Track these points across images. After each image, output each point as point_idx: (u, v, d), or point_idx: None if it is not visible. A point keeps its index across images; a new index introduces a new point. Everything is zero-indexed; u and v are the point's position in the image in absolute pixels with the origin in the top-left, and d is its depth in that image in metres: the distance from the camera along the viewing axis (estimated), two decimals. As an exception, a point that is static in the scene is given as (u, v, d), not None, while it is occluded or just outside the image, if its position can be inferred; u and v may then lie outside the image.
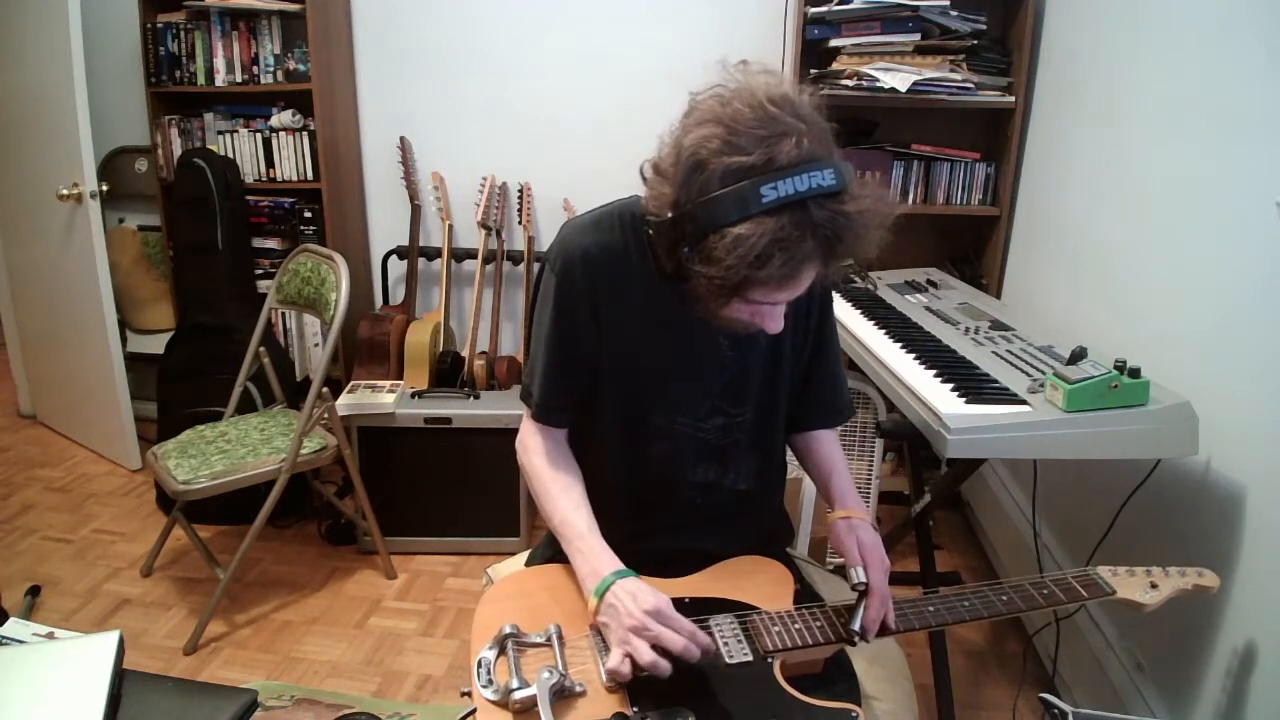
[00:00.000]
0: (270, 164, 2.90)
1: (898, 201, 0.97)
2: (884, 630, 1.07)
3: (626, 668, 0.98)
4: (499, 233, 2.98)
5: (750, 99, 0.93)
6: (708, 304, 0.98)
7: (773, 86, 0.94)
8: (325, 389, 2.26)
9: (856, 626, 1.05)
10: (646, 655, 0.97)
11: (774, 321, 1.03)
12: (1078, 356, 1.48)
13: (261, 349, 2.47)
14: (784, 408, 1.26)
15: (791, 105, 0.93)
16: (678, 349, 1.17)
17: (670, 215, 0.96)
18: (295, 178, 2.90)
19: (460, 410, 2.49)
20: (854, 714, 0.98)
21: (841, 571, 1.12)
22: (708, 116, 0.94)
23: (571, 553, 1.13)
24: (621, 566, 1.08)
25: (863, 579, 1.07)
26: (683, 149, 0.94)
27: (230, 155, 2.87)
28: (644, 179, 1.03)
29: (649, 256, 1.07)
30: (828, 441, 1.32)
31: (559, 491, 1.18)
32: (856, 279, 2.32)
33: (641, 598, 1.02)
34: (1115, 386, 1.38)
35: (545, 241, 2.99)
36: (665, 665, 0.97)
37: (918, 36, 2.47)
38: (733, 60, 0.99)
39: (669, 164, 0.97)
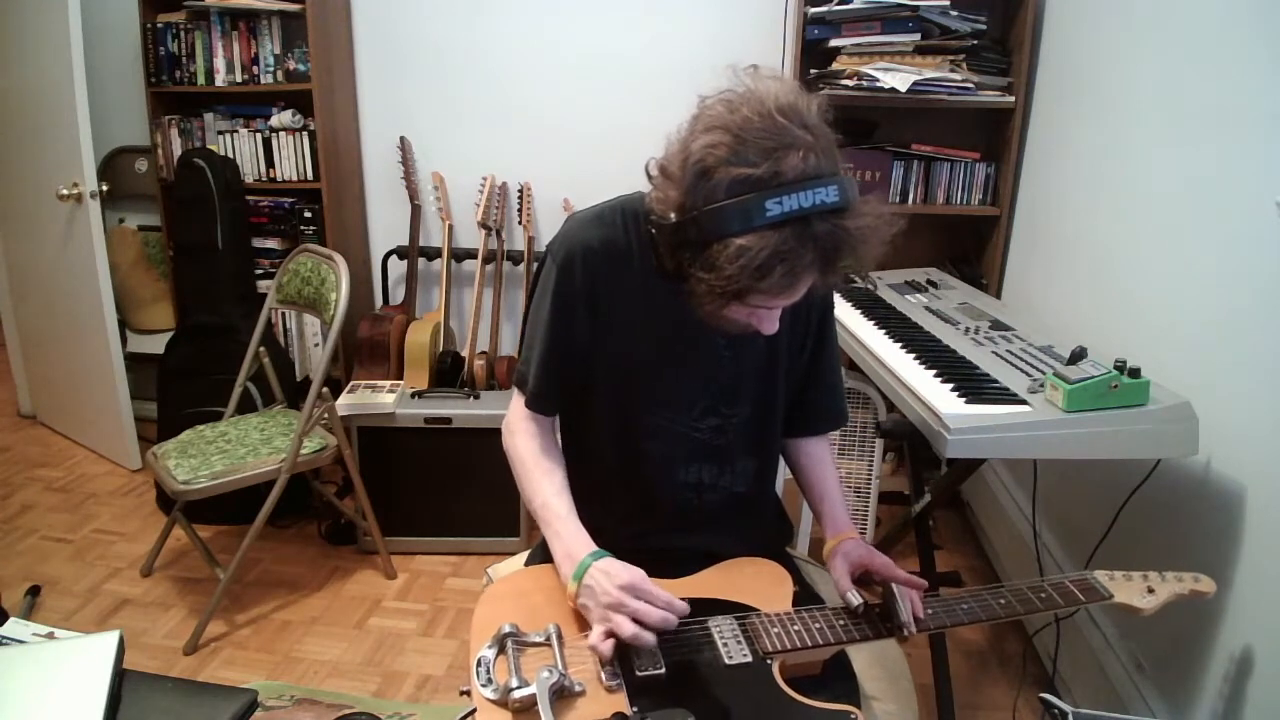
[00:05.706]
0: (270, 164, 2.90)
1: (897, 216, 0.97)
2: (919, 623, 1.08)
3: (608, 646, 0.99)
4: (499, 233, 2.98)
5: (759, 107, 0.92)
6: (706, 305, 0.98)
7: (782, 95, 0.93)
8: (325, 389, 2.26)
9: (905, 618, 1.06)
10: (628, 629, 0.98)
11: (770, 324, 1.04)
12: (1078, 356, 1.48)
13: (261, 349, 2.47)
14: (781, 409, 1.26)
15: (800, 116, 0.92)
16: (673, 347, 1.17)
17: (674, 219, 0.96)
18: (295, 178, 2.90)
19: (460, 410, 2.49)
20: (852, 715, 0.97)
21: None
22: (716, 123, 0.93)
23: (550, 536, 1.14)
24: (595, 548, 1.09)
25: (859, 600, 1.08)
26: (690, 154, 0.94)
27: (230, 155, 2.86)
28: (649, 177, 1.03)
29: (650, 254, 1.07)
30: (819, 457, 1.32)
31: (542, 475, 1.19)
32: (856, 279, 2.31)
33: (615, 574, 1.03)
34: (1115, 386, 1.38)
35: (545, 241, 2.96)
36: (649, 637, 0.99)
37: (918, 36, 2.47)
38: (743, 64, 0.98)
39: (675, 167, 0.97)
